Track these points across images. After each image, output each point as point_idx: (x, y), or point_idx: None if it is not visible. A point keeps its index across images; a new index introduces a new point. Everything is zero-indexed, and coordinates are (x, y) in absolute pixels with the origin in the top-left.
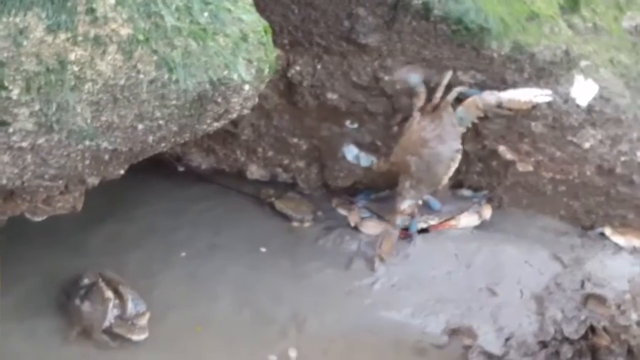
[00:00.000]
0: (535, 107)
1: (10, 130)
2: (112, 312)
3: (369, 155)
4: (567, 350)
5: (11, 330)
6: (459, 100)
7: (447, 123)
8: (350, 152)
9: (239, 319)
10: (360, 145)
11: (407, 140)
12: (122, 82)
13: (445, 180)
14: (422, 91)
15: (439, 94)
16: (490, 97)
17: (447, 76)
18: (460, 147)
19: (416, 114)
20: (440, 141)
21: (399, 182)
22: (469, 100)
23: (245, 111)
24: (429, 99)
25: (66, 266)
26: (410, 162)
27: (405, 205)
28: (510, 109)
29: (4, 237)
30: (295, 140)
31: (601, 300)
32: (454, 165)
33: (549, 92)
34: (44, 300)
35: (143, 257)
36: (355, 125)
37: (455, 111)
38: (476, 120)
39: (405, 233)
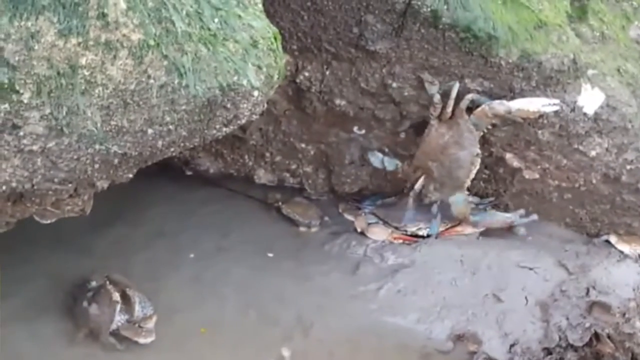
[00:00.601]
0: (542, 115)
1: (21, 133)
2: (119, 315)
3: (393, 159)
4: (571, 357)
5: (17, 332)
6: (469, 108)
7: (464, 129)
8: (376, 157)
9: (244, 321)
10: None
11: (427, 146)
12: (132, 86)
13: (468, 183)
14: (438, 100)
15: (449, 108)
16: (500, 106)
17: (455, 88)
18: (479, 151)
19: (434, 122)
20: (460, 147)
21: (424, 185)
22: (479, 109)
23: (254, 116)
24: (442, 107)
25: (73, 268)
26: (432, 167)
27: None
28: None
29: (11, 238)
30: (303, 145)
31: (606, 307)
32: (475, 169)
33: (557, 101)
34: (51, 302)
35: (150, 260)
36: (363, 132)
37: (469, 118)
38: (489, 126)
39: (412, 238)
